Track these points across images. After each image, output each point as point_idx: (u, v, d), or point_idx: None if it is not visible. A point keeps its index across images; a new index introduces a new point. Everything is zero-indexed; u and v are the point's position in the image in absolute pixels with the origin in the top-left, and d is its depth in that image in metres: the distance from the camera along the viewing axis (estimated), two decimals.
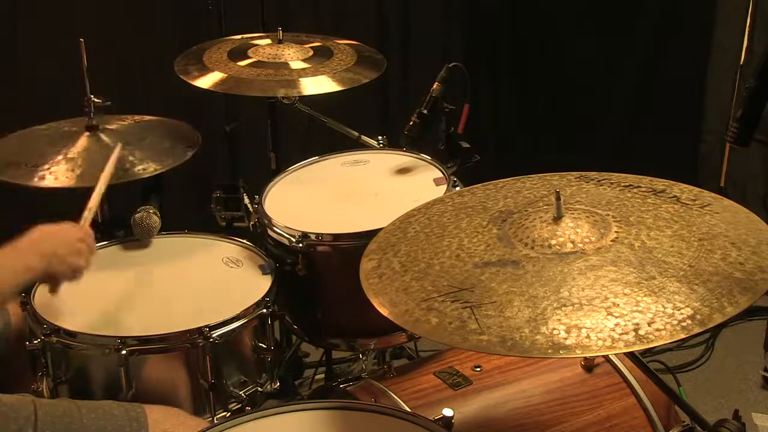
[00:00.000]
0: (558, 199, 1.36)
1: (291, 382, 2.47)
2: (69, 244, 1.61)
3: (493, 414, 1.60)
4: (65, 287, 1.74)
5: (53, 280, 1.64)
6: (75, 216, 1.77)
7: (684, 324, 1.13)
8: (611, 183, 1.51)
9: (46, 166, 1.98)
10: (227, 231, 2.46)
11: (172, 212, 2.10)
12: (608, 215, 1.38)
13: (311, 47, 2.34)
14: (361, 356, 2.25)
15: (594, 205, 1.41)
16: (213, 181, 2.63)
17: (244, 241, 1.99)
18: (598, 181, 1.52)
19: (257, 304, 1.75)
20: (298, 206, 2.00)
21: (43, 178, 1.95)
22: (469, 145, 2.16)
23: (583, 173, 1.57)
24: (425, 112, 2.14)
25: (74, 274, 1.63)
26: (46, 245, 1.59)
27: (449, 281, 1.28)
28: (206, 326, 1.66)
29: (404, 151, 2.19)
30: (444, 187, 1.99)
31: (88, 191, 1.83)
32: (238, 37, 2.46)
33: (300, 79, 2.17)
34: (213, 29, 2.72)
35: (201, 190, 2.84)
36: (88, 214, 1.76)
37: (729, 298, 1.16)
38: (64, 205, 1.96)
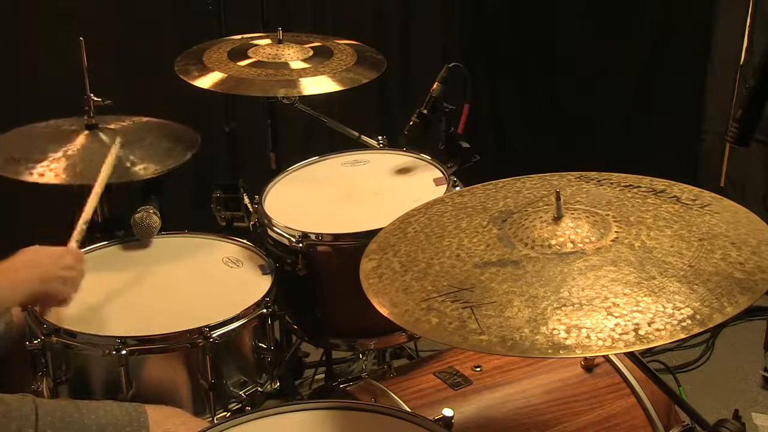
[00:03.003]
0: (558, 199, 1.36)
1: (291, 382, 2.47)
2: (62, 271, 1.65)
3: (493, 414, 1.60)
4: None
5: (42, 304, 1.68)
6: (73, 215, 1.77)
7: (684, 324, 1.13)
8: (611, 183, 1.51)
9: (46, 163, 1.98)
10: (227, 231, 2.46)
11: (172, 212, 2.10)
12: (608, 215, 1.38)
13: (311, 47, 2.34)
14: (361, 356, 2.25)
15: (594, 205, 1.41)
16: (213, 181, 2.63)
17: (244, 241, 1.99)
18: (598, 181, 1.52)
19: (257, 304, 1.75)
20: (298, 206, 2.00)
21: (42, 174, 1.95)
22: (469, 145, 2.16)
23: (583, 173, 1.56)
24: (425, 112, 2.14)
25: (61, 302, 1.68)
26: (40, 269, 1.62)
27: (449, 281, 1.28)
28: (206, 326, 1.66)
29: (404, 151, 2.19)
30: (444, 187, 1.99)
31: (84, 198, 1.83)
32: (238, 37, 2.46)
33: (300, 79, 2.17)
34: (213, 29, 2.72)
35: (201, 190, 2.84)
36: (82, 228, 1.77)
37: (729, 298, 1.16)
38: (62, 202, 1.96)
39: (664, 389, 1.41)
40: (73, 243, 1.73)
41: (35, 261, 1.63)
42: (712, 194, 1.43)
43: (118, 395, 1.62)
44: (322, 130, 2.54)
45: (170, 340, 1.65)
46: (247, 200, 2.37)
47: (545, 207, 1.42)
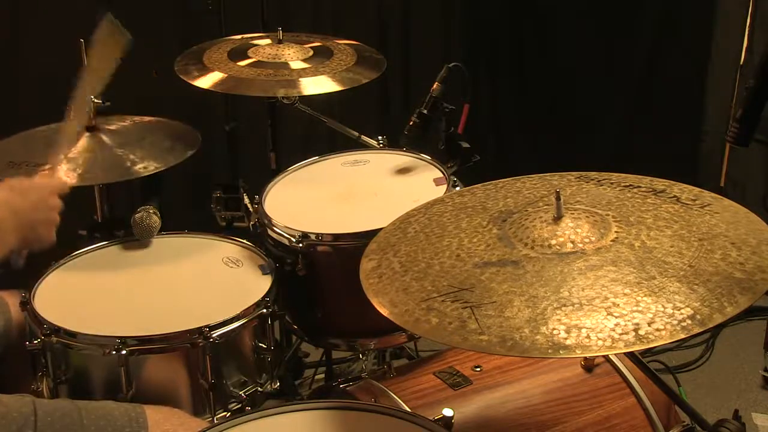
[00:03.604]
0: (558, 199, 1.36)
1: (291, 382, 2.47)
2: (44, 214, 1.54)
3: (493, 414, 1.60)
4: (67, 288, 1.75)
5: (20, 250, 1.57)
6: (76, 217, 1.76)
7: (684, 324, 1.13)
8: (611, 183, 1.51)
9: (48, 166, 1.98)
10: (227, 231, 2.47)
11: (172, 212, 2.10)
12: (608, 215, 1.38)
13: (311, 47, 2.34)
14: (361, 356, 2.25)
15: (594, 205, 1.41)
16: (213, 181, 2.63)
17: (244, 241, 1.99)
18: (598, 181, 1.52)
19: (257, 304, 1.75)
20: (298, 206, 2.00)
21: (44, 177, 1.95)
22: (469, 145, 2.16)
23: (583, 173, 1.56)
24: (425, 112, 2.14)
25: (41, 245, 1.57)
26: (20, 217, 1.51)
27: (449, 281, 1.28)
28: (206, 326, 1.66)
29: (404, 151, 2.19)
30: (444, 187, 1.99)
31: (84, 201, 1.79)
32: (238, 37, 2.46)
33: (300, 79, 2.17)
34: (213, 29, 2.72)
35: (201, 190, 2.84)
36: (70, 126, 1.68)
37: (729, 298, 1.16)
38: (65, 203, 1.95)
39: (664, 389, 1.41)
40: (58, 171, 1.60)
41: (14, 205, 1.49)
42: (712, 194, 1.43)
43: (118, 395, 1.62)
44: (322, 130, 2.54)
45: (170, 340, 1.65)
46: (247, 200, 2.37)
47: (545, 207, 1.42)
